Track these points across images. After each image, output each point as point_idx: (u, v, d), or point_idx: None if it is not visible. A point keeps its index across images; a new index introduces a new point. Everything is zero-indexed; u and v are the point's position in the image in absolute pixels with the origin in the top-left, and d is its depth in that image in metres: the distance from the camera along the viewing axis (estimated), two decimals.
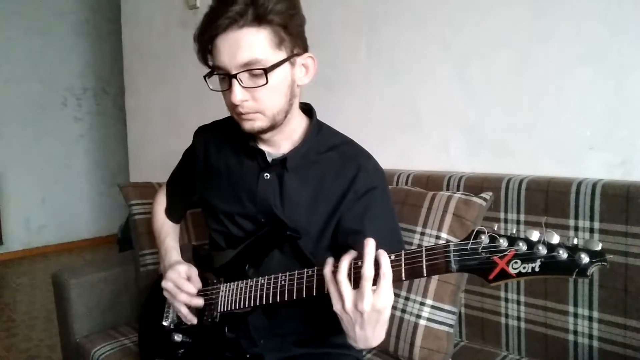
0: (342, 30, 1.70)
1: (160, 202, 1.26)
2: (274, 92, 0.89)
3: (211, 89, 0.92)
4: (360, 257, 0.75)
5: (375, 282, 0.72)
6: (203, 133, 1.14)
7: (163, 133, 2.57)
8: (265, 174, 1.00)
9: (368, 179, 0.98)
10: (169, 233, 1.20)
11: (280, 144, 1.00)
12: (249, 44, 0.85)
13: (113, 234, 4.23)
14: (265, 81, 0.86)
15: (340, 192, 0.97)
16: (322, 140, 1.02)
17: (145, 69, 2.64)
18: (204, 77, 0.93)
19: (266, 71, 0.85)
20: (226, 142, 1.08)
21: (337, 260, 0.78)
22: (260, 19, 0.84)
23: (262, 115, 0.91)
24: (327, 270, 0.78)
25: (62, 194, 4.29)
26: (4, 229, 3.95)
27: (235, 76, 0.86)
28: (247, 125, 0.92)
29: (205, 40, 0.88)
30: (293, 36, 0.89)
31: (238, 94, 0.87)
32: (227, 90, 0.89)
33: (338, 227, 0.97)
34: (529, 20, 1.30)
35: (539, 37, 1.29)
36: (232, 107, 0.91)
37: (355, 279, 0.75)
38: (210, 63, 0.91)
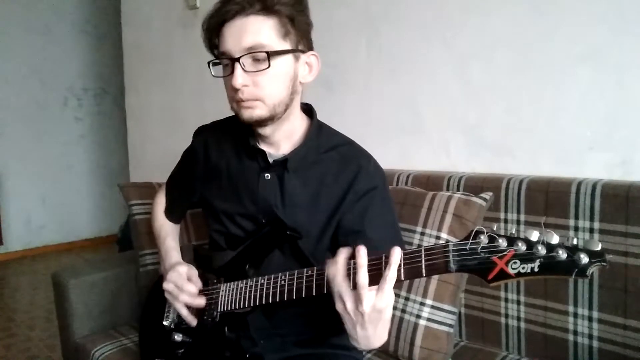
0: (342, 30, 1.70)
1: (160, 203, 1.25)
2: (275, 80, 0.89)
3: (213, 75, 0.93)
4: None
5: (377, 282, 0.72)
6: (203, 133, 1.14)
7: (163, 133, 2.57)
8: (266, 174, 1.00)
9: (368, 180, 0.98)
10: (169, 233, 1.20)
11: (281, 144, 1.00)
12: (255, 30, 0.86)
13: (113, 234, 4.23)
14: (267, 65, 0.87)
15: (341, 193, 0.97)
16: (323, 141, 1.02)
17: (146, 68, 2.65)
18: (208, 63, 0.93)
19: (269, 55, 0.86)
20: (227, 142, 1.08)
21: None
22: (267, 9, 0.87)
23: (262, 103, 0.90)
24: (330, 270, 0.78)
25: (62, 194, 4.28)
26: (4, 229, 3.95)
27: (238, 60, 0.87)
28: (246, 114, 0.91)
29: (213, 27, 0.90)
30: (299, 31, 0.91)
31: (239, 77, 0.87)
32: (229, 75, 0.89)
33: (338, 228, 0.98)
34: (529, 20, 1.30)
35: (539, 37, 1.29)
36: (233, 92, 0.90)
37: (355, 279, 0.75)
38: (216, 52, 0.92)
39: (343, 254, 0.77)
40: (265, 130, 0.96)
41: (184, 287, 1.00)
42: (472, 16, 1.40)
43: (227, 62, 0.90)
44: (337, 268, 0.76)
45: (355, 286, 0.73)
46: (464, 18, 1.42)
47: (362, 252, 0.73)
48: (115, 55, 3.71)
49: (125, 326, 1.54)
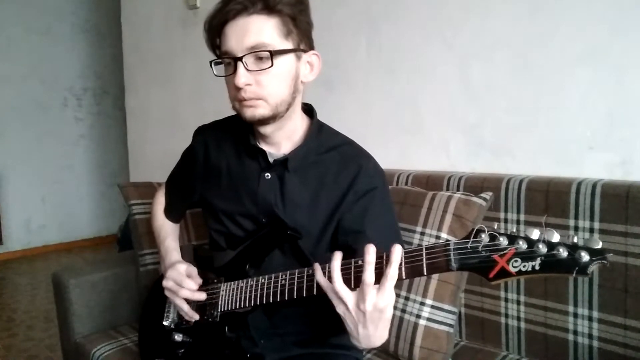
0: (342, 30, 1.70)
1: (160, 202, 1.25)
2: (277, 79, 0.90)
3: (216, 75, 0.93)
4: (357, 256, 0.75)
5: (378, 281, 0.72)
6: (203, 133, 1.14)
7: (163, 133, 2.57)
8: (267, 174, 1.00)
9: (368, 180, 0.98)
10: (168, 233, 1.20)
11: (281, 144, 1.00)
12: (258, 29, 0.87)
13: (113, 234, 4.23)
14: (270, 64, 0.87)
15: (341, 193, 0.97)
16: (323, 141, 1.02)
17: (146, 68, 2.65)
18: (210, 63, 0.94)
19: (272, 54, 0.87)
20: (227, 141, 1.08)
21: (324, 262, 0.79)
22: (270, 9, 0.87)
23: (264, 102, 0.90)
24: (319, 277, 0.78)
25: (62, 194, 4.29)
26: (4, 229, 3.95)
27: (240, 59, 0.87)
28: (249, 113, 0.91)
29: (215, 27, 0.90)
30: (300, 31, 0.91)
31: (242, 76, 0.87)
32: (231, 74, 0.89)
33: (338, 228, 0.97)
34: (529, 20, 1.30)
35: (539, 37, 1.29)
36: (235, 91, 0.91)
37: (356, 279, 0.75)
38: (218, 51, 0.92)
39: (337, 259, 0.76)
40: (266, 130, 0.96)
41: (183, 283, 1.00)
42: (472, 16, 1.40)
43: (229, 61, 0.90)
44: (333, 277, 0.75)
45: (358, 284, 0.73)
46: (464, 18, 1.42)
47: (372, 250, 0.73)
48: (115, 55, 3.72)
49: (125, 326, 1.54)
